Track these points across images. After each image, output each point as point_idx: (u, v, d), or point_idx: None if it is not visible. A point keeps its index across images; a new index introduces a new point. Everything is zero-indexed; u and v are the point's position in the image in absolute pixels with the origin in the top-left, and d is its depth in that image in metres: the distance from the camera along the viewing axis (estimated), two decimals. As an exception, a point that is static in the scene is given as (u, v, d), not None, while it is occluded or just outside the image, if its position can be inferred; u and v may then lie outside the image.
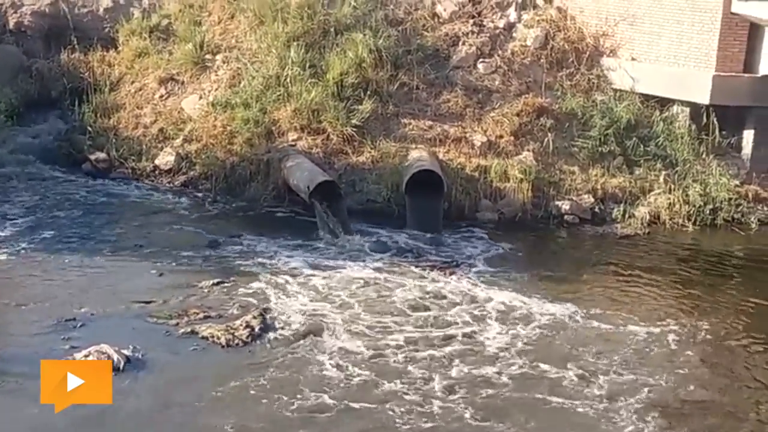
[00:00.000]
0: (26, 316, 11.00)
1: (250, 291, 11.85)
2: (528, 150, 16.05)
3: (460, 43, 17.44)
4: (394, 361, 10.11)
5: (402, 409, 9.06)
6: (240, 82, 17.17)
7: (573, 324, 11.31)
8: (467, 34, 17.57)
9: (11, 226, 14.02)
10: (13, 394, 9.11)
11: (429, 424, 8.86)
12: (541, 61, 17.32)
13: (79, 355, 9.54)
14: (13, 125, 16.66)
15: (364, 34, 16.78)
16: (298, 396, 9.21)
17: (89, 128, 17.31)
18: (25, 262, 12.63)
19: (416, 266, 13.03)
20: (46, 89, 19.01)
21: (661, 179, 15.83)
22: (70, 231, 13.94)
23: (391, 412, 9.00)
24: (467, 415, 9.03)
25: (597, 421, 9.07)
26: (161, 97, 17.89)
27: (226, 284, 12.00)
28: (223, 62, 17.80)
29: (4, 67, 17.88)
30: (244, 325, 10.62)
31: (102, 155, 16.84)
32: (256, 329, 10.59)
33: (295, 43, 16.98)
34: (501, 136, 16.21)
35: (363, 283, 12.32)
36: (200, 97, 17.38)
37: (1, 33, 19.70)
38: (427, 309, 11.56)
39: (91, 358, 9.45)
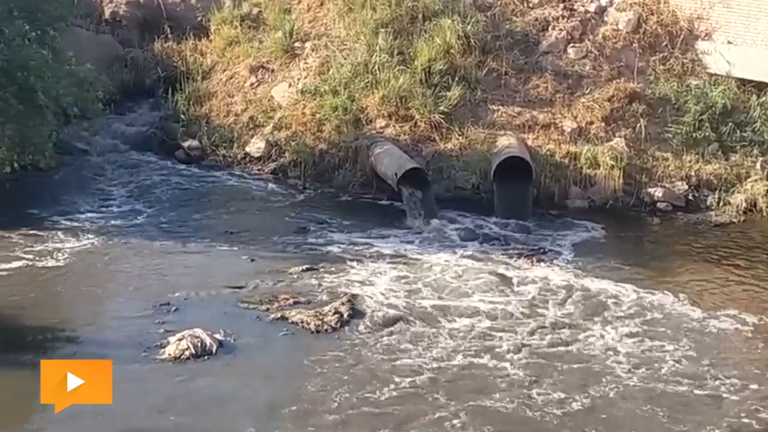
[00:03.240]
0: (122, 300, 11.34)
1: (339, 277, 11.95)
2: (619, 136, 15.76)
3: (550, 27, 17.19)
4: (485, 350, 10.08)
5: (500, 403, 9.03)
6: (329, 70, 17.25)
7: (674, 313, 11.12)
8: (557, 18, 17.30)
9: (107, 212, 14.41)
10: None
11: (530, 413, 8.85)
12: (634, 45, 16.95)
13: (173, 339, 9.78)
14: (109, 113, 17.04)
15: (453, 20, 16.67)
16: (387, 383, 9.26)
17: (182, 116, 17.63)
18: (121, 246, 12.97)
19: (504, 253, 12.96)
20: (140, 78, 19.46)
21: (758, 166, 15.38)
22: (163, 217, 14.25)
23: (483, 404, 8.98)
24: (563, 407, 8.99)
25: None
26: (252, 85, 18.10)
27: (315, 270, 12.13)
28: (312, 50, 17.91)
29: (100, 56, 18.27)
30: (333, 311, 10.73)
31: (194, 143, 17.14)
32: (345, 315, 10.69)
33: (383, 30, 16.96)
34: (591, 122, 15.96)
35: (451, 270, 12.30)
36: (290, 85, 17.53)
37: (97, 23, 20.18)
38: (516, 296, 11.49)
39: (184, 342, 9.68)
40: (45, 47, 14.30)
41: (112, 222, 13.89)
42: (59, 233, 13.18)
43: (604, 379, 9.54)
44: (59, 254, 12.40)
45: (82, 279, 11.91)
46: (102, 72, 16.46)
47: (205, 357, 9.64)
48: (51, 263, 12.09)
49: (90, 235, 13.22)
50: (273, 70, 18.19)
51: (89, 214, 14.20)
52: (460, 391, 9.22)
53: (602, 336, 10.54)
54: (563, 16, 17.30)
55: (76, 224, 13.69)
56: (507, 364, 9.84)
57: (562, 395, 9.19)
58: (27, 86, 13.72)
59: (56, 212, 14.08)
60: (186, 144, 17.14)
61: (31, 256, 12.23)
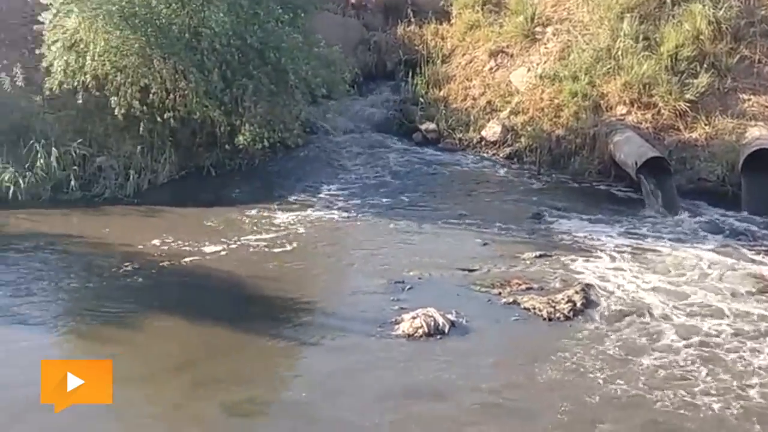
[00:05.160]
0: (359, 276, 11.69)
1: (572, 266, 11.77)
2: None
3: (811, 13, 16.10)
4: (725, 353, 9.60)
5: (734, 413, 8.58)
6: (569, 55, 16.98)
7: None
8: (820, 3, 16.18)
9: (347, 190, 14.89)
10: (326, 350, 9.67)
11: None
12: None
13: (407, 317, 10.01)
14: (353, 95, 17.66)
15: (703, 5, 15.94)
16: (620, 379, 8.99)
17: (421, 99, 17.94)
18: (358, 224, 13.39)
19: (753, 251, 12.28)
20: (382, 61, 20.00)
21: None
22: (400, 197, 14.56)
23: (719, 413, 8.57)
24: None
25: None
26: (490, 69, 18.14)
27: (548, 257, 12.00)
28: (553, 35, 17.69)
29: (346, 39, 18.92)
30: (566, 299, 10.57)
31: (432, 125, 17.40)
32: (578, 305, 10.50)
33: (628, 15, 16.49)
34: None
35: (691, 265, 11.81)
36: (528, 70, 17.42)
37: (344, 6, 20.92)
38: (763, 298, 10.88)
39: (418, 320, 9.87)
40: (296, 30, 15.01)
41: (352, 200, 14.36)
42: (302, 209, 13.78)
43: None
44: (301, 228, 12.97)
45: (321, 253, 12.42)
46: (347, 54, 17.04)
47: (438, 336, 9.78)
48: (293, 237, 12.64)
49: (330, 212, 13.74)
50: (512, 55, 18.15)
51: (330, 192, 14.74)
52: (692, 398, 8.80)
53: None
54: (827, 1, 16.15)
55: (317, 200, 14.26)
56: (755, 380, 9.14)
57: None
58: (279, 67, 14.50)
59: (300, 188, 14.74)
60: (424, 126, 17.44)
61: (274, 230, 12.86)
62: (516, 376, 9.17)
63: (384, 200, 14.35)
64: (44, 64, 13.97)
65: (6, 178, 13.19)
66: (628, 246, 12.46)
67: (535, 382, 9.03)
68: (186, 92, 13.91)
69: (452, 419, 8.42)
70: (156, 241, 12.21)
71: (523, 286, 11.08)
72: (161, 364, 9.40)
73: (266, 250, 12.14)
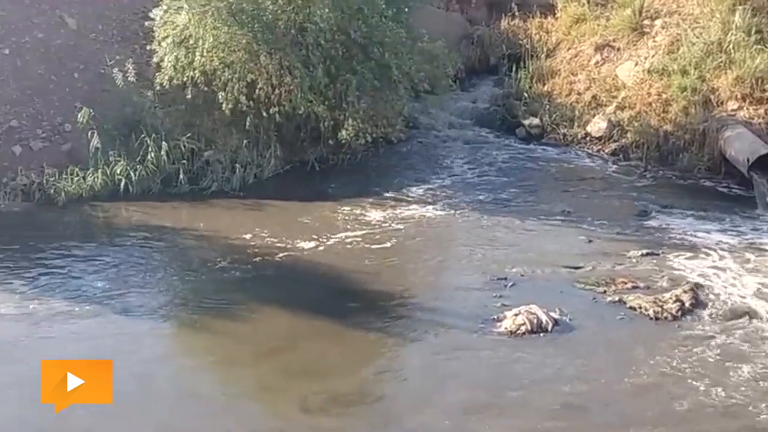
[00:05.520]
0: (460, 272, 11.66)
1: (680, 264, 11.49)
2: None
3: None
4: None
5: None
6: (678, 49, 16.57)
7: None
8: None
9: (448, 185, 14.84)
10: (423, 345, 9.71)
11: None
12: None
13: (509, 314, 9.94)
14: (456, 90, 17.59)
15: (820, -5, 15.41)
16: (718, 387, 8.72)
17: (524, 94, 17.75)
18: (459, 220, 13.33)
19: None
20: (485, 55, 19.89)
21: None
22: (502, 192, 14.45)
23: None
24: None
25: None
26: (596, 63, 17.83)
27: (654, 255, 11.74)
28: (662, 28, 17.27)
29: (449, 33, 18.84)
30: (673, 299, 10.33)
31: (535, 121, 17.21)
32: (687, 305, 10.25)
33: (740, 8, 15.99)
34: None
35: (807, 267, 11.41)
36: (636, 64, 17.05)
37: (447, 1, 20.86)
38: None
39: (520, 317, 9.80)
40: (400, 25, 15.04)
41: (453, 194, 14.30)
42: (402, 203, 13.81)
43: None
44: (401, 223, 12.99)
45: (421, 248, 12.42)
46: (450, 49, 16.99)
47: (541, 334, 9.69)
48: (393, 233, 12.67)
49: (431, 207, 13.71)
50: (619, 49, 17.81)
51: (431, 186, 14.71)
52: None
53: None
54: None
55: (418, 195, 14.24)
56: None
57: None
58: (382, 62, 14.54)
59: (402, 184, 14.75)
60: (527, 122, 17.25)
61: (375, 224, 12.93)
62: (612, 377, 9.01)
63: (486, 196, 14.25)
64: (155, 59, 14.35)
65: (118, 171, 13.60)
66: (737, 246, 12.11)
67: (631, 385, 8.86)
68: (291, 87, 14.08)
69: (537, 419, 8.34)
70: (259, 235, 12.41)
71: (629, 285, 10.87)
72: (254, 350, 9.62)
73: (363, 244, 12.21)
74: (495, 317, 10.02)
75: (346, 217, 13.18)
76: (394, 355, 9.76)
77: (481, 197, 14.20)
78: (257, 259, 11.66)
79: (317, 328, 10.01)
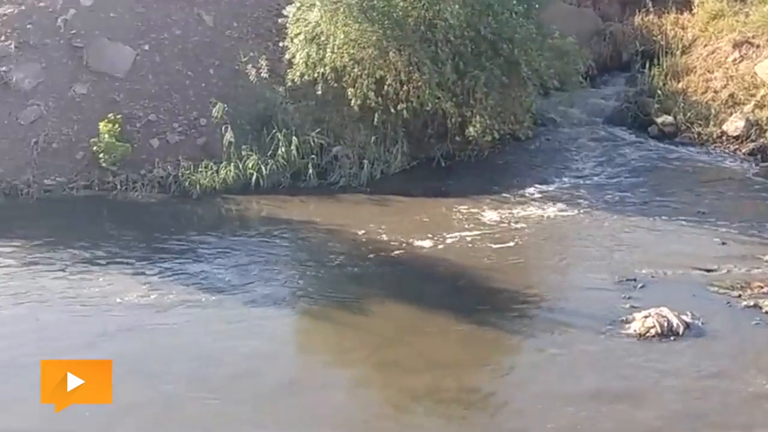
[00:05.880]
0: (586, 272, 11.45)
1: (820, 270, 11.02)
2: None
3: None
4: None
5: None
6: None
7: None
8: None
9: (576, 183, 14.60)
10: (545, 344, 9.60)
11: None
12: None
13: (639, 316, 9.71)
14: (586, 87, 17.29)
15: None
16: None
17: (658, 91, 17.29)
18: (587, 217, 13.10)
19: None
20: (617, 52, 19.48)
21: None
22: (631, 192, 14.12)
23: None
24: None
25: None
26: (734, 60, 17.22)
27: (795, 260, 11.30)
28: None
29: (580, 29, 18.52)
30: (815, 305, 9.92)
31: (669, 119, 16.74)
32: (830, 312, 9.82)
33: None
34: None
35: None
36: (776, 61, 16.43)
37: (579, -2, 20.56)
38: None
39: (650, 320, 9.56)
40: (530, 21, 14.88)
41: (580, 193, 14.05)
42: (529, 201, 13.67)
43: None
44: (527, 221, 12.86)
45: (547, 247, 12.29)
46: (581, 45, 16.71)
47: (671, 338, 9.43)
48: (518, 230, 12.57)
49: (558, 205, 13.51)
50: (758, 46, 17.17)
51: (558, 184, 14.51)
52: None
53: None
54: None
55: (545, 193, 14.06)
56: None
57: None
58: (511, 59, 14.43)
59: (528, 181, 14.58)
60: (660, 120, 16.80)
61: (500, 222, 12.83)
62: (736, 385, 8.71)
63: (616, 195, 13.95)
64: (287, 56, 14.61)
65: (250, 165, 13.92)
66: None
67: (753, 395, 8.53)
68: (419, 84, 14.12)
69: (646, 425, 8.14)
70: (382, 230, 12.51)
71: (766, 289, 10.47)
72: (371, 342, 9.76)
73: (487, 242, 12.13)
74: (623, 319, 9.82)
75: (474, 214, 13.10)
76: (514, 353, 9.73)
77: (611, 196, 13.90)
78: (378, 254, 11.77)
79: (436, 323, 10.05)
